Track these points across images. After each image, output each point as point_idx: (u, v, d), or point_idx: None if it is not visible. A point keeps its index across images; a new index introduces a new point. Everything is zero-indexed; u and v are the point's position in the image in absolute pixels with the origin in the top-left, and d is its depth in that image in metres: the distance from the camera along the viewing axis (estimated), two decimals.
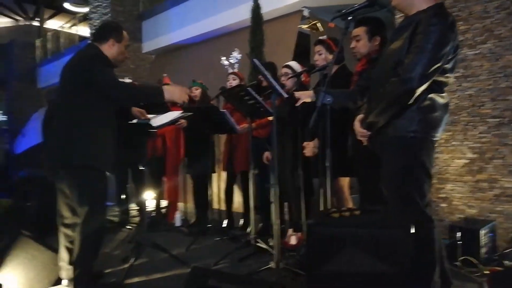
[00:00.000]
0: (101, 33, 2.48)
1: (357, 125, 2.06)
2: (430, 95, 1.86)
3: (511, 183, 3.41)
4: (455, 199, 3.67)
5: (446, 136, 3.76)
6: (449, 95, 3.64)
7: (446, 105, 1.93)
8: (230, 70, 3.98)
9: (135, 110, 3.04)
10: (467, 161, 3.65)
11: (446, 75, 1.89)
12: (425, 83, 1.79)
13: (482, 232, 2.79)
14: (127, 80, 3.67)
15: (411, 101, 1.82)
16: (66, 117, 2.35)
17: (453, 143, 3.73)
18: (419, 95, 1.82)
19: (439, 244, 1.99)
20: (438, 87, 1.88)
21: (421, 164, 1.88)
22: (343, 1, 5.28)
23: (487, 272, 2.54)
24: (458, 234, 2.76)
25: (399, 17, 3.75)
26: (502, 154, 3.48)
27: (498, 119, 3.54)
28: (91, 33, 9.05)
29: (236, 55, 4.06)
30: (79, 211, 2.35)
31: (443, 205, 3.72)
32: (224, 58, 4.15)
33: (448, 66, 1.86)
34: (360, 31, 2.55)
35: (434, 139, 1.92)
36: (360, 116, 2.07)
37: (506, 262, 2.72)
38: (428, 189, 1.91)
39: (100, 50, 2.41)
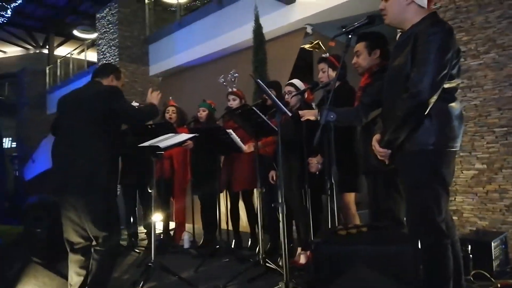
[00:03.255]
0: (103, 71, 2.76)
1: (375, 145, 2.03)
2: (444, 105, 1.85)
3: None
4: (465, 211, 3.62)
5: (459, 146, 3.73)
6: None
7: (460, 114, 1.91)
8: (229, 90, 4.02)
9: None
10: (476, 172, 3.61)
11: (454, 80, 1.89)
12: (435, 92, 1.78)
13: (494, 244, 2.74)
14: (135, 103, 3.76)
15: (426, 112, 1.81)
16: (83, 145, 2.44)
17: (461, 154, 3.70)
18: (432, 105, 1.81)
19: (458, 259, 1.96)
20: (449, 95, 1.88)
21: (440, 178, 1.86)
22: (347, 14, 5.37)
23: (500, 285, 2.48)
24: (469, 247, 2.71)
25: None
26: (511, 164, 3.44)
27: (505, 129, 3.51)
28: (99, 59, 9.26)
29: (233, 74, 4.11)
30: (97, 234, 2.39)
31: (454, 217, 3.66)
32: (222, 78, 4.20)
33: (453, 71, 1.87)
34: (359, 46, 2.59)
35: (454, 149, 1.89)
36: (377, 136, 2.05)
37: None
38: (445, 204, 1.88)
39: (115, 86, 2.65)
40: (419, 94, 1.77)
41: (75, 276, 2.46)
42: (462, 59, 3.71)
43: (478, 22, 3.70)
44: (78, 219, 2.43)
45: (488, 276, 2.64)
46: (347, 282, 1.63)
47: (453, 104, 1.89)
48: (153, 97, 2.83)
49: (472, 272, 2.68)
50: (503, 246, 2.88)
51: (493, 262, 2.71)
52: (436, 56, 1.76)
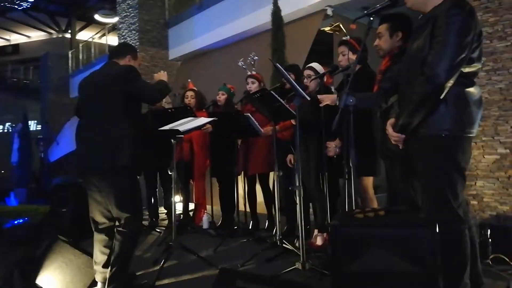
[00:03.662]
0: (120, 51, 2.77)
1: (389, 129, 2.02)
2: (461, 90, 1.81)
3: None
4: (486, 196, 3.57)
5: (476, 132, 3.66)
6: None
7: (479, 99, 1.86)
8: (248, 73, 4.02)
9: None
10: (498, 156, 3.54)
11: (474, 64, 1.83)
12: (452, 76, 1.74)
13: None
14: None
15: (442, 96, 1.77)
16: (106, 127, 2.48)
17: (484, 138, 3.63)
18: (449, 90, 1.77)
19: (474, 243, 1.95)
20: (467, 80, 1.83)
21: (455, 164, 1.83)
22: None
23: None
24: (489, 232, 2.69)
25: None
26: None
27: None
28: (119, 43, 9.35)
29: (252, 57, 4.09)
30: (119, 216, 2.47)
31: (474, 202, 3.62)
32: (241, 61, 4.19)
33: (474, 55, 1.81)
34: (382, 28, 2.54)
35: (470, 135, 1.86)
36: (391, 120, 2.03)
37: None
38: (461, 189, 1.86)
39: (132, 66, 2.64)
40: (435, 77, 1.73)
41: (99, 255, 2.57)
42: (487, 41, 3.60)
43: (506, 2, 3.56)
44: (102, 199, 2.52)
45: (507, 260, 2.62)
46: (364, 264, 1.66)
47: (471, 89, 1.84)
48: (160, 75, 2.84)
49: (491, 256, 2.66)
50: None
51: None
52: (455, 38, 1.71)
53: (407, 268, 1.61)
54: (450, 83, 1.75)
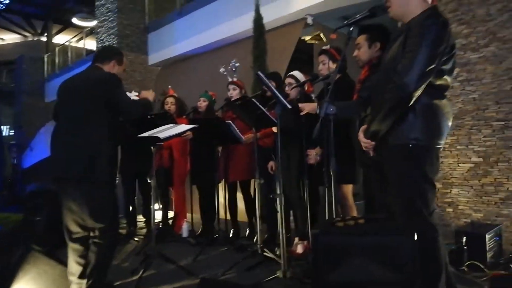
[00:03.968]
0: (104, 55, 2.65)
1: (361, 135, 2.05)
2: (430, 101, 1.83)
3: None
4: (461, 204, 3.67)
5: (451, 141, 3.77)
6: (453, 99, 3.71)
7: (448, 112, 1.89)
8: (229, 80, 4.02)
9: None
10: (472, 165, 3.65)
11: (444, 77, 1.86)
12: (421, 85, 1.76)
13: (488, 236, 2.79)
14: (134, 93, 3.76)
15: (410, 105, 1.79)
16: (81, 134, 2.40)
17: (458, 147, 3.74)
18: (417, 99, 1.79)
19: (443, 250, 1.99)
20: (437, 92, 1.86)
21: (423, 174, 1.85)
22: (348, 2, 5.33)
23: (493, 275, 2.52)
24: (464, 239, 2.76)
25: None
26: (507, 157, 3.48)
27: (502, 122, 3.55)
28: (98, 47, 9.21)
29: (234, 64, 4.10)
30: (94, 226, 2.40)
31: (449, 209, 3.72)
32: (223, 68, 4.20)
33: (445, 67, 1.84)
34: (361, 39, 2.59)
35: (437, 146, 1.88)
36: (363, 127, 2.07)
37: None
38: (432, 197, 1.89)
39: (114, 74, 2.55)
40: (404, 86, 1.75)
41: (74, 265, 2.48)
42: (461, 52, 3.73)
43: (479, 15, 3.70)
44: (77, 208, 2.43)
45: (482, 267, 2.69)
46: (345, 272, 1.67)
47: (441, 102, 1.87)
48: (148, 93, 2.82)
49: (466, 263, 2.73)
50: (497, 238, 2.93)
51: (487, 253, 2.75)
52: (426, 48, 1.73)
53: (386, 276, 1.63)
54: (418, 92, 1.77)
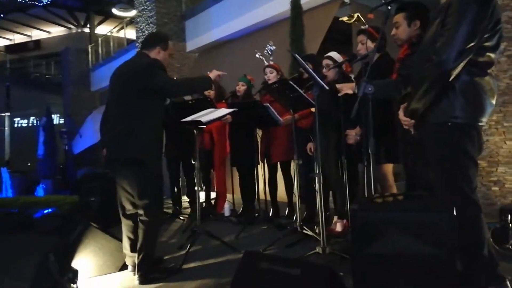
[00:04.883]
0: (150, 42, 2.77)
1: (401, 114, 2.05)
2: (470, 79, 1.81)
3: None
4: (507, 182, 3.57)
5: (497, 118, 3.64)
6: (500, 74, 3.56)
7: (491, 89, 1.85)
8: (266, 63, 4.06)
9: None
10: None
11: (487, 54, 1.81)
12: (460, 63, 1.73)
13: None
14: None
15: (449, 82, 1.78)
16: (127, 119, 2.57)
17: (505, 124, 3.61)
18: (457, 77, 1.77)
19: (485, 228, 1.98)
20: (479, 69, 1.82)
21: (464, 152, 1.83)
22: None
23: None
24: (509, 217, 2.70)
25: None
26: None
27: None
28: (138, 36, 9.49)
29: (270, 47, 4.13)
30: (139, 203, 2.59)
31: (495, 188, 3.62)
32: (259, 52, 4.24)
33: (489, 43, 1.79)
34: (399, 17, 2.54)
35: (479, 124, 1.86)
36: (404, 105, 2.07)
37: None
38: (474, 174, 1.87)
39: (152, 57, 2.67)
40: (443, 63, 1.73)
41: (126, 240, 2.72)
42: (509, 26, 3.55)
43: None
44: (127, 187, 2.65)
45: None
46: (383, 247, 1.71)
47: (483, 79, 1.83)
48: (212, 73, 2.89)
49: (511, 241, 2.68)
50: None
51: None
52: (464, 26, 1.70)
53: (425, 251, 1.66)
54: (457, 70, 1.74)
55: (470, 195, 1.86)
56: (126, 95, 2.60)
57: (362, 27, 3.22)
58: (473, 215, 1.86)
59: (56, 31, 19.02)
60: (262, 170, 4.11)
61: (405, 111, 2.03)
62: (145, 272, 2.57)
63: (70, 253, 2.69)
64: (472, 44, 1.73)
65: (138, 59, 2.72)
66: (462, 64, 1.75)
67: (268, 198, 4.16)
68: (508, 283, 1.95)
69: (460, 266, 1.77)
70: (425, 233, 1.67)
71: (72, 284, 2.44)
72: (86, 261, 2.66)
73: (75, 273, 2.49)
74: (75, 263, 2.61)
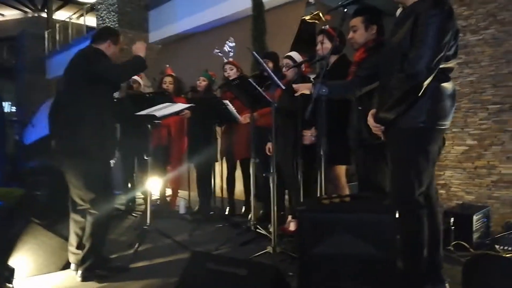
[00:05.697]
0: (100, 36, 2.72)
1: (370, 120, 2.10)
2: (436, 85, 1.89)
3: (509, 170, 3.45)
4: (453, 186, 3.72)
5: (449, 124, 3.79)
6: None
7: (453, 93, 1.96)
8: (225, 60, 4.02)
9: None
10: (466, 147, 3.69)
11: (450, 61, 1.93)
12: (431, 75, 1.82)
13: (475, 217, 2.84)
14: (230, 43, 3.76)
15: (419, 94, 1.86)
16: (73, 110, 2.51)
17: (453, 130, 3.77)
18: (426, 86, 1.86)
19: (439, 229, 2.06)
20: (443, 75, 1.92)
21: (426, 154, 1.93)
22: None
23: (477, 255, 2.58)
24: (452, 220, 2.82)
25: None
26: (501, 141, 3.51)
27: (498, 106, 3.56)
28: (98, 24, 9.15)
29: (229, 43, 4.09)
30: (86, 197, 2.49)
31: (442, 191, 3.77)
32: (218, 48, 4.19)
33: (450, 52, 1.90)
34: (356, 21, 2.57)
35: (443, 127, 1.95)
36: (372, 111, 2.11)
37: (497, 247, 2.78)
38: (427, 177, 1.96)
39: (98, 48, 2.62)
40: (416, 75, 1.81)
41: (73, 236, 2.59)
42: (461, 34, 3.70)
43: None
44: (74, 181, 2.54)
45: (467, 246, 2.76)
46: (329, 247, 1.73)
47: (446, 84, 1.93)
48: (138, 48, 2.76)
49: (453, 243, 2.80)
50: (485, 220, 2.99)
51: (474, 234, 2.82)
52: (434, 38, 1.79)
53: (367, 250, 1.69)
54: (428, 80, 1.83)
55: (417, 198, 1.94)
56: (73, 85, 2.55)
57: (323, 27, 3.23)
58: (415, 217, 1.94)
59: (11, 14, 17.96)
60: (220, 168, 4.07)
61: (374, 117, 2.06)
62: (89, 266, 2.47)
63: (7, 250, 2.53)
64: (441, 55, 1.82)
65: (84, 51, 2.66)
66: (433, 74, 1.84)
67: (225, 196, 4.12)
68: (447, 285, 2.03)
69: (401, 265, 1.83)
70: (368, 234, 1.70)
71: (7, 284, 2.30)
72: (24, 259, 2.51)
73: (11, 271, 2.36)
74: (12, 261, 2.46)
